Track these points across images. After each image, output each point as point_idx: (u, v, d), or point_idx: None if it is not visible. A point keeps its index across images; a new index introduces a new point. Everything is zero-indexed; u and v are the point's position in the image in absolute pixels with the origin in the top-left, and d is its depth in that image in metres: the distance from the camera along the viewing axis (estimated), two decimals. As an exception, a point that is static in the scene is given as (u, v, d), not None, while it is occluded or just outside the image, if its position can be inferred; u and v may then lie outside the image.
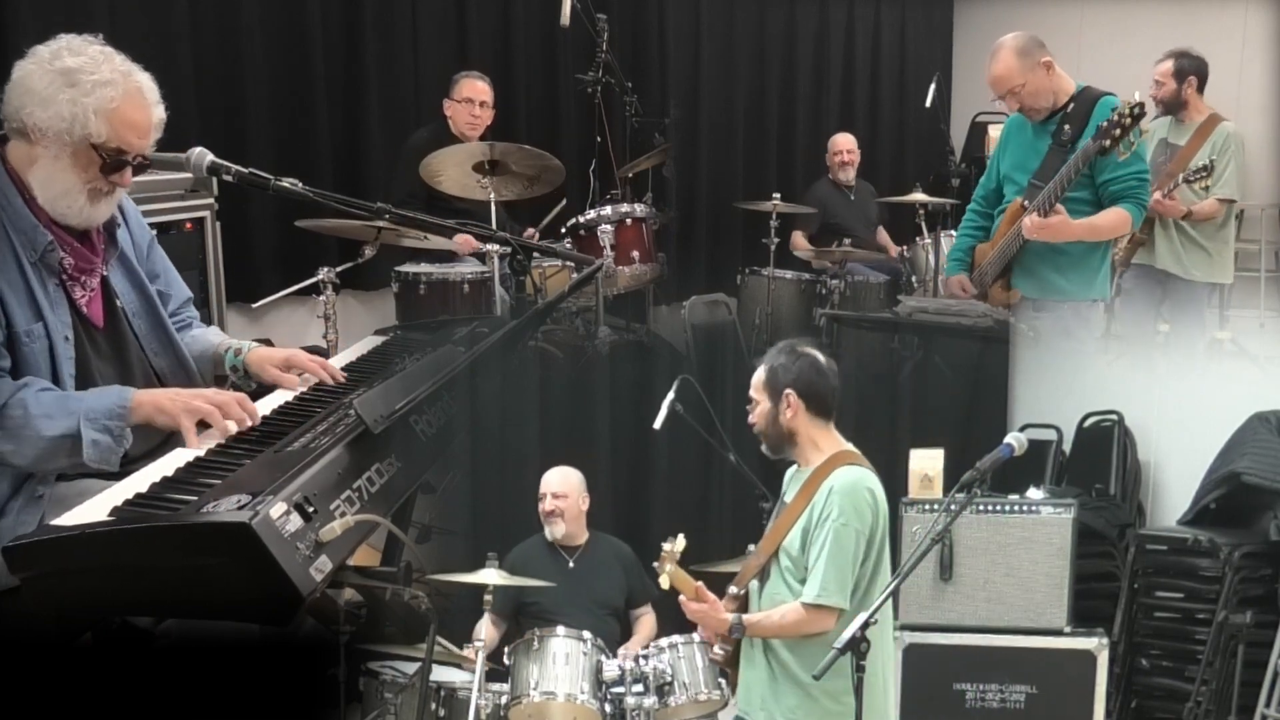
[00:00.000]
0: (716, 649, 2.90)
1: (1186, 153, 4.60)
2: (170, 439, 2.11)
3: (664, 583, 2.80)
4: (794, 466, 2.89)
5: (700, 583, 2.80)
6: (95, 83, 2.02)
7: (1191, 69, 4.67)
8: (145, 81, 2.11)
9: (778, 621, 2.70)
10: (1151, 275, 4.72)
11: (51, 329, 2.06)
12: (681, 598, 2.80)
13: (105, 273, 2.21)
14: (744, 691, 2.85)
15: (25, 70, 2.03)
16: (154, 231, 2.46)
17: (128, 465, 2.05)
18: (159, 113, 2.13)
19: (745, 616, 2.74)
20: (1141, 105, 3.35)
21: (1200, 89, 4.71)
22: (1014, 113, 3.70)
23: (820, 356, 2.85)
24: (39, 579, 1.73)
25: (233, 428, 2.09)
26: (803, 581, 2.69)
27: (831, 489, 2.69)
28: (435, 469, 2.49)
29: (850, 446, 2.85)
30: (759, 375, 2.86)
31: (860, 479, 2.72)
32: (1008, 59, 3.56)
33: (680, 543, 2.82)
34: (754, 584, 2.83)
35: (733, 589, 2.85)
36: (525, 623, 3.61)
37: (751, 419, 2.88)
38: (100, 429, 2.00)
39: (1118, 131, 3.34)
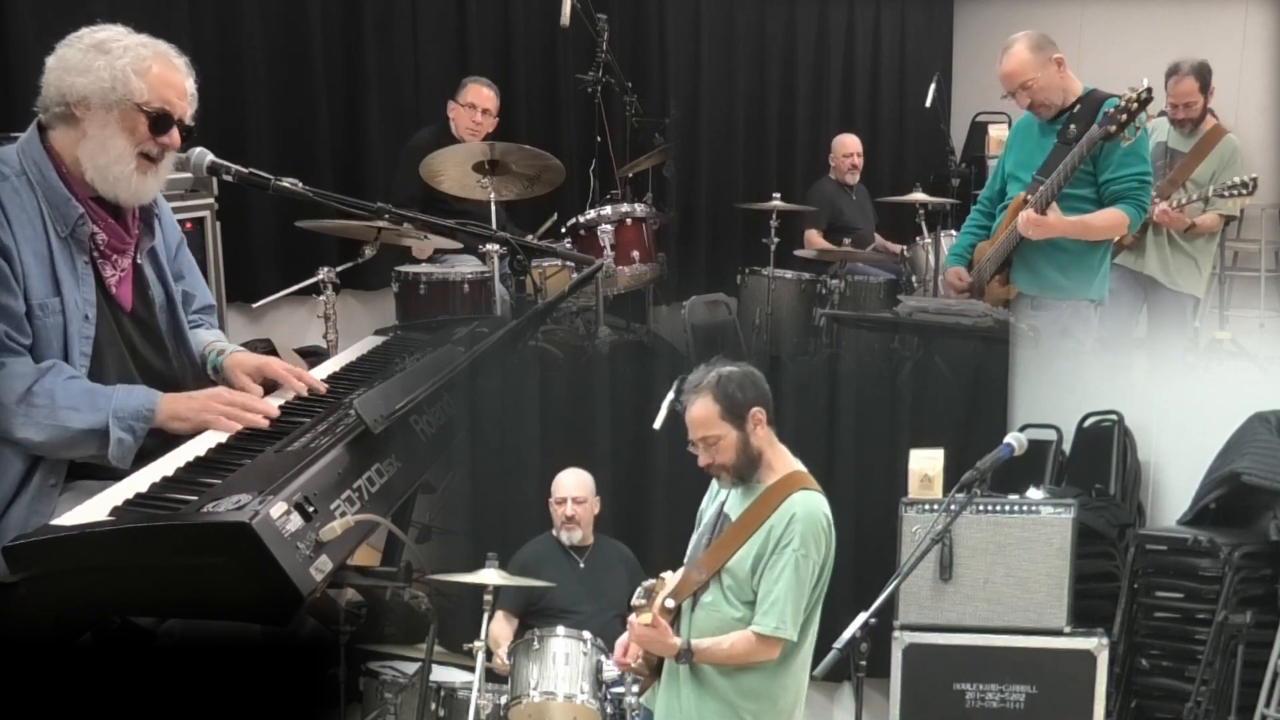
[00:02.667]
0: (640, 659, 2.82)
1: (1190, 162, 4.47)
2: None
3: (645, 619, 2.66)
4: None
5: (655, 609, 2.69)
6: (125, 47, 2.09)
7: (1209, 77, 4.46)
8: (171, 50, 2.17)
9: (726, 650, 2.61)
10: (1135, 279, 4.55)
11: (68, 305, 2.07)
12: (632, 618, 2.70)
13: (139, 261, 2.23)
14: (665, 704, 2.75)
15: (57, 55, 2.10)
16: (183, 235, 2.48)
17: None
18: (191, 83, 2.18)
19: (694, 642, 2.64)
20: (1149, 90, 3.30)
21: None
22: (1024, 109, 3.68)
23: (747, 365, 2.74)
24: (39, 579, 1.74)
25: (259, 420, 2.15)
26: (747, 603, 2.62)
27: (794, 515, 2.59)
28: (435, 469, 2.49)
29: (799, 464, 2.74)
30: (709, 408, 2.64)
31: (819, 506, 2.64)
32: (1021, 53, 3.53)
33: (663, 580, 2.75)
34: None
35: (669, 603, 2.73)
36: (537, 622, 3.59)
37: (709, 459, 2.66)
38: (125, 428, 2.03)
39: (1124, 117, 3.32)
